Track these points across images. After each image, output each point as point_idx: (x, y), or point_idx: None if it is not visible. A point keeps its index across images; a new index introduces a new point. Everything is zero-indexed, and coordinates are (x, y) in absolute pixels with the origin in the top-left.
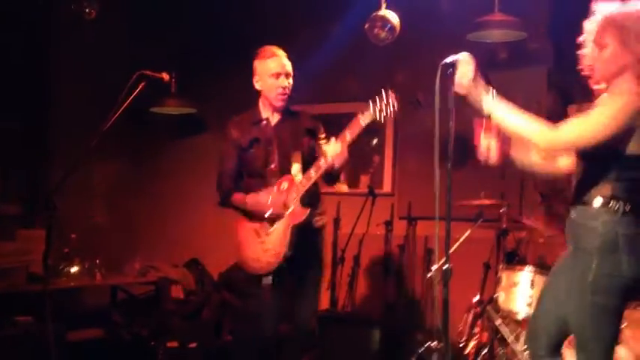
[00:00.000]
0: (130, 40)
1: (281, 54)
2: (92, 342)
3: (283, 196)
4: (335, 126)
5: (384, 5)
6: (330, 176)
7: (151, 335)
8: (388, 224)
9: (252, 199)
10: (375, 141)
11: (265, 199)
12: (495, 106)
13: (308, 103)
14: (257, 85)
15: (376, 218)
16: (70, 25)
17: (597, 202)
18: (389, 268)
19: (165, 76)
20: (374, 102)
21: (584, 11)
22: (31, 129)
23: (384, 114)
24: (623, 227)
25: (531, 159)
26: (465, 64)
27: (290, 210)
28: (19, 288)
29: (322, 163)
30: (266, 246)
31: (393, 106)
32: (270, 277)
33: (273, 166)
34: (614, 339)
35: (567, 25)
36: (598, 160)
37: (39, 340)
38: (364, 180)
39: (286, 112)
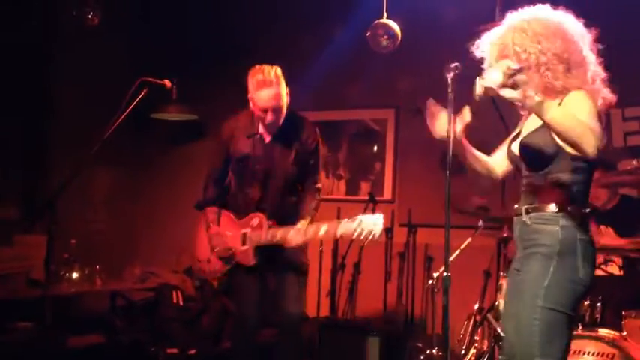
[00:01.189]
0: (132, 45)
1: (273, 80)
2: (92, 348)
3: (243, 235)
4: (336, 133)
5: (385, 14)
6: None
7: (151, 341)
8: (388, 231)
9: (214, 230)
10: (375, 148)
11: (224, 238)
12: (548, 105)
13: (310, 110)
14: (250, 104)
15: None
16: (73, 29)
17: (553, 207)
18: (389, 276)
19: (168, 82)
20: (359, 223)
21: (585, 20)
22: (30, 133)
23: (362, 237)
24: (580, 232)
25: (482, 167)
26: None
27: (243, 248)
28: (19, 294)
29: (278, 238)
30: (210, 258)
31: (373, 235)
32: (196, 281)
33: (255, 186)
34: (564, 354)
35: None
36: (551, 164)
37: (39, 346)
38: (365, 187)
39: (281, 129)
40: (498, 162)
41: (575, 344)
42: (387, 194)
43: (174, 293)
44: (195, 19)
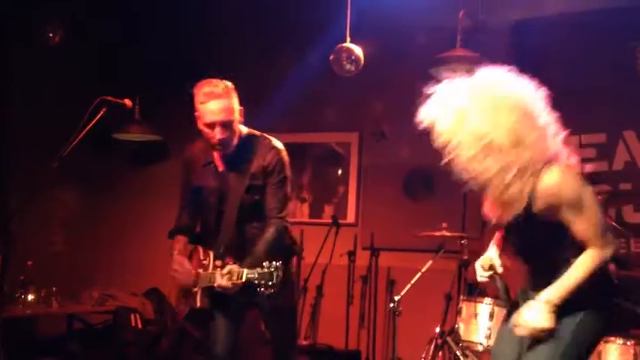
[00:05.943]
0: (94, 64)
1: (222, 92)
2: None
3: (196, 275)
4: (300, 155)
5: (348, 38)
6: None
7: None
8: (351, 255)
9: (176, 260)
10: (339, 171)
11: (183, 271)
12: (558, 292)
13: (274, 132)
14: (198, 124)
15: (340, 248)
16: (31, 47)
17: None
18: (351, 299)
19: (128, 102)
20: (263, 271)
21: (544, 49)
22: None
23: (263, 286)
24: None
25: None
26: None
27: (194, 290)
28: None
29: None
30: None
31: (273, 286)
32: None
33: (211, 219)
34: None
35: (527, 62)
36: None
37: None
38: (328, 210)
39: (235, 154)
40: None
41: None
42: (351, 217)
43: (132, 316)
44: (159, 38)
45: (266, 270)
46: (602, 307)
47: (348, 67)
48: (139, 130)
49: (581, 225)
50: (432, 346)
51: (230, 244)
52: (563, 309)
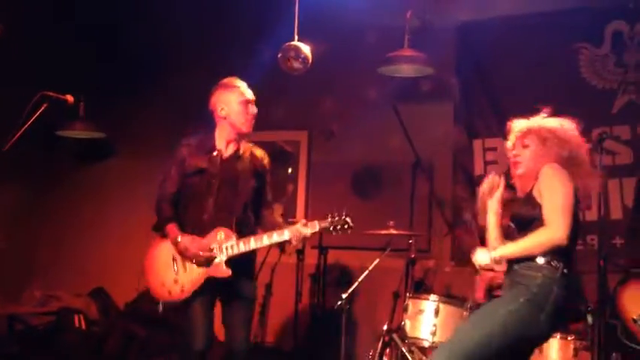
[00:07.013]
0: (36, 61)
1: (244, 84)
2: None
3: (211, 246)
4: None
5: (296, 36)
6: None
7: None
8: (300, 253)
9: (183, 243)
10: (289, 170)
11: (196, 247)
12: (503, 250)
13: None
14: (222, 113)
15: (288, 247)
16: None
17: (540, 260)
18: (300, 297)
19: (70, 98)
20: (332, 217)
21: (490, 51)
22: None
23: (335, 231)
24: (558, 286)
25: None
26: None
27: (216, 261)
28: None
29: (281, 237)
30: (177, 278)
31: (346, 228)
32: (161, 306)
33: (210, 200)
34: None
35: (473, 63)
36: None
37: None
38: (277, 208)
39: (241, 148)
40: None
41: None
42: (300, 216)
43: (76, 317)
44: (109, 35)
45: (336, 219)
46: (544, 305)
47: (296, 65)
48: (83, 128)
49: (546, 206)
50: (380, 344)
51: (236, 224)
52: (513, 286)
